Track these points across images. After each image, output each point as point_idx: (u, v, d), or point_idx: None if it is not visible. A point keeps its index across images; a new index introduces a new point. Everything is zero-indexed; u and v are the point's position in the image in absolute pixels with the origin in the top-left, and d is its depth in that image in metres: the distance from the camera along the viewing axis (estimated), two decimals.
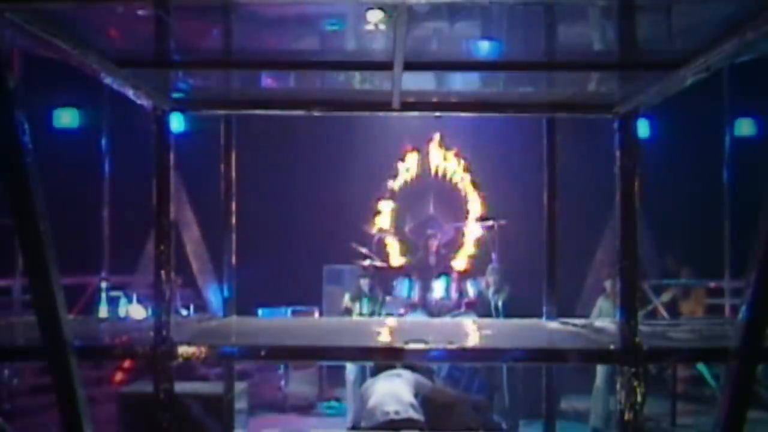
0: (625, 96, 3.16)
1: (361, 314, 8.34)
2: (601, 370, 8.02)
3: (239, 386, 5.59)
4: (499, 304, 8.18)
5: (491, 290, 8.39)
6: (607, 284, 7.95)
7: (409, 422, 4.98)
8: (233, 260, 4.34)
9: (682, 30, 2.72)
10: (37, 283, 2.20)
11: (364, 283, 8.75)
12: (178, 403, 4.90)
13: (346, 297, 8.86)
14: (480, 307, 8.32)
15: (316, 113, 3.53)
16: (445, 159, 10.14)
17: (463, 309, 8.49)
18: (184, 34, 2.92)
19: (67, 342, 2.23)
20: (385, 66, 2.78)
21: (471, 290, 8.77)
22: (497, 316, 8.00)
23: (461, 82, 3.42)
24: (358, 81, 3.42)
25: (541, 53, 3.11)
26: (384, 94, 3.29)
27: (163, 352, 3.05)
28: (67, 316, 2.27)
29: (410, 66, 2.78)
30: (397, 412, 5.01)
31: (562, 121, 4.12)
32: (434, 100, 3.53)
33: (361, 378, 7.37)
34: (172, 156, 3.20)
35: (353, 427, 7.39)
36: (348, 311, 8.56)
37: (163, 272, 3.16)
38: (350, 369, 8.00)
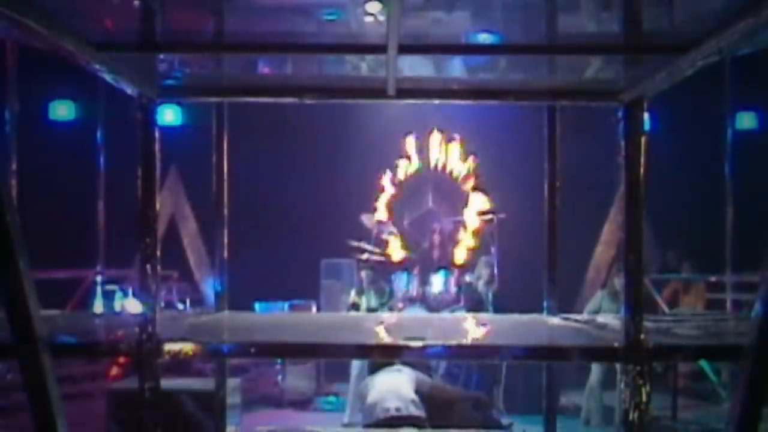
0: (630, 82, 3.03)
1: (369, 308, 8.26)
2: (595, 366, 7.93)
3: (232, 382, 5.48)
4: (490, 295, 8.11)
5: (481, 282, 8.32)
6: (616, 281, 7.79)
7: (410, 419, 4.87)
8: (225, 254, 4.22)
9: (691, 10, 2.60)
10: (6, 277, 2.07)
11: (365, 275, 8.68)
12: (168, 400, 4.79)
13: (352, 292, 8.79)
14: (468, 300, 8.25)
15: (308, 101, 3.40)
16: (445, 151, 10.02)
17: (462, 303, 8.39)
18: (171, 16, 2.80)
19: (38, 339, 2.11)
20: (379, 49, 2.66)
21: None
22: (488, 308, 7.92)
23: (460, 69, 3.30)
24: (352, 67, 3.29)
25: (541, 36, 2.98)
26: (379, 80, 3.17)
27: (148, 349, 2.93)
28: (38, 312, 2.15)
29: (405, 49, 2.66)
30: (398, 409, 4.90)
31: (565, 109, 3.99)
32: (431, 87, 3.41)
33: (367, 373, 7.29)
34: (158, 147, 3.06)
35: (349, 424, 7.29)
36: (355, 306, 8.48)
37: (148, 266, 3.03)
38: (355, 364, 7.91)
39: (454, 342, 3.16)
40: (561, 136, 4.08)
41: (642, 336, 2.88)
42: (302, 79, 3.47)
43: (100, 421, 6.04)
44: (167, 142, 3.16)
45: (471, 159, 9.74)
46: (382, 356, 4.52)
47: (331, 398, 9.06)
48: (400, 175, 10.09)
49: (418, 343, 3.04)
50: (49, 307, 3.95)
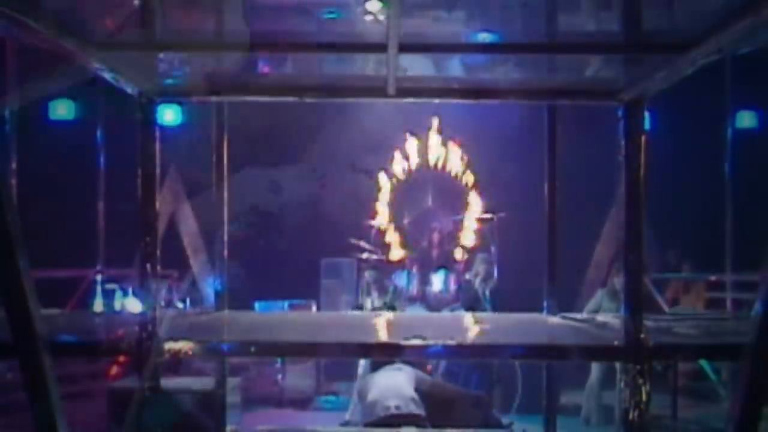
0: (630, 82, 3.03)
1: (374, 308, 8.26)
2: (595, 365, 7.93)
3: (232, 381, 5.48)
4: (487, 293, 8.11)
5: (478, 279, 8.32)
6: (616, 281, 7.76)
7: (410, 417, 4.87)
8: (225, 253, 4.22)
9: (691, 9, 2.60)
10: (6, 277, 2.07)
11: (368, 275, 8.69)
12: (168, 400, 4.79)
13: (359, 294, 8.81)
14: (464, 297, 8.25)
15: (309, 100, 3.40)
16: (444, 148, 9.99)
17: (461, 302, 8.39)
18: (171, 15, 2.81)
19: (38, 339, 2.11)
20: (380, 48, 2.66)
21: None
22: (484, 305, 7.93)
23: (459, 68, 3.30)
24: (353, 66, 3.30)
25: (541, 36, 2.99)
26: (379, 79, 3.17)
27: (148, 348, 2.93)
28: (38, 311, 2.15)
29: (405, 48, 2.66)
30: (398, 407, 4.90)
31: (564, 108, 4.00)
32: (431, 86, 3.41)
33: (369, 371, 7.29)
34: (158, 147, 3.07)
35: (349, 422, 7.30)
36: (361, 307, 8.49)
37: (148, 265, 3.04)
38: (361, 362, 7.89)
39: (454, 341, 3.16)
40: (561, 136, 4.09)
41: (642, 335, 2.88)
42: (302, 78, 3.48)
43: (100, 421, 6.04)
44: (167, 142, 3.16)
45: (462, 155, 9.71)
46: (382, 355, 4.53)
47: (332, 397, 9.06)
48: (398, 174, 10.08)
49: (418, 342, 3.04)
50: (49, 306, 3.95)
